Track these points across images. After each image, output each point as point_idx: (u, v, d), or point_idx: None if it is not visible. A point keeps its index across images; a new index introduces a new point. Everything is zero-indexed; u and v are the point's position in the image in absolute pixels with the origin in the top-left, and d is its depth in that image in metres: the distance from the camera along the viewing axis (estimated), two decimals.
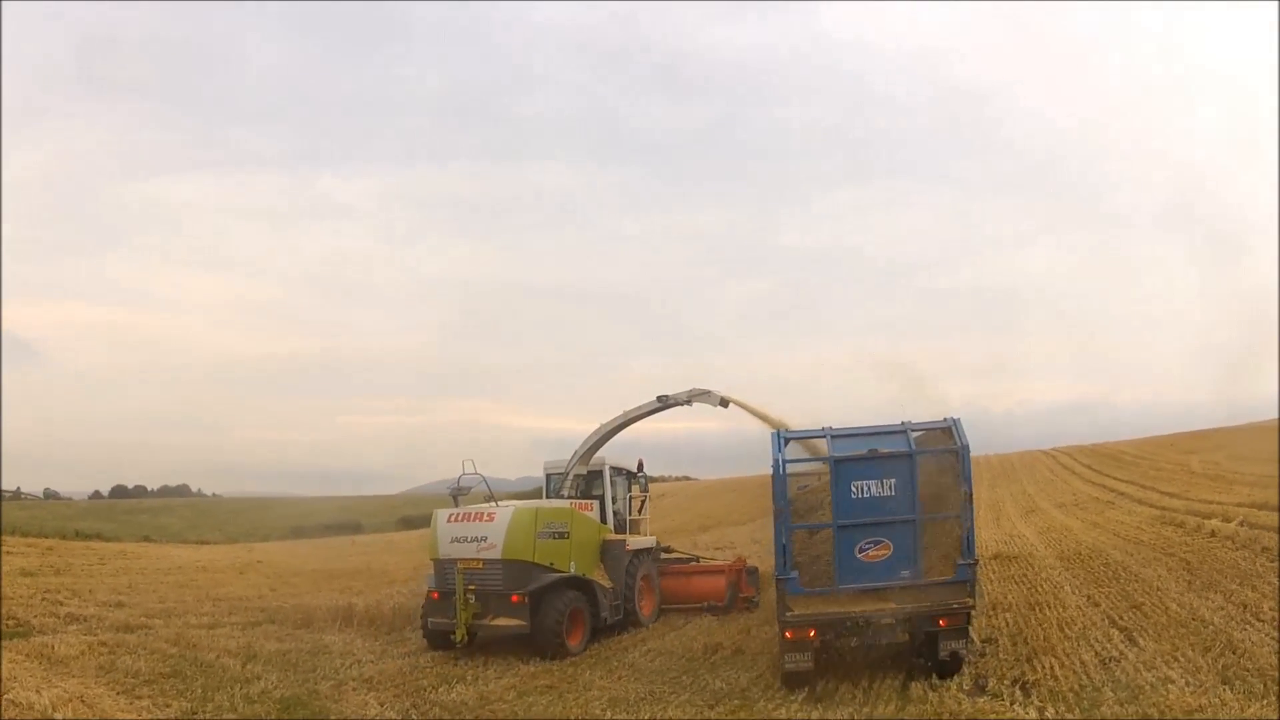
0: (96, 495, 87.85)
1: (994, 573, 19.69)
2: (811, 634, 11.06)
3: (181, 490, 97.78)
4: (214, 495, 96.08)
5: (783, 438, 12.21)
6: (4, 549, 30.50)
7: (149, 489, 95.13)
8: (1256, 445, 41.24)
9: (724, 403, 17.51)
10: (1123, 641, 12.31)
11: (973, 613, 11.56)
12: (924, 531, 11.35)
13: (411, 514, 68.36)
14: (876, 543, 11.34)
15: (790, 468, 12.04)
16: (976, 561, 11.59)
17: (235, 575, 30.24)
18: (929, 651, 11.36)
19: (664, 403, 17.87)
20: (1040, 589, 16.85)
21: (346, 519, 65.91)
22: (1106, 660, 11.37)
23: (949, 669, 11.10)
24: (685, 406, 17.96)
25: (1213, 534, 20.30)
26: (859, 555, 11.32)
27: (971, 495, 11.37)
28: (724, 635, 15.52)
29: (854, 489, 11.41)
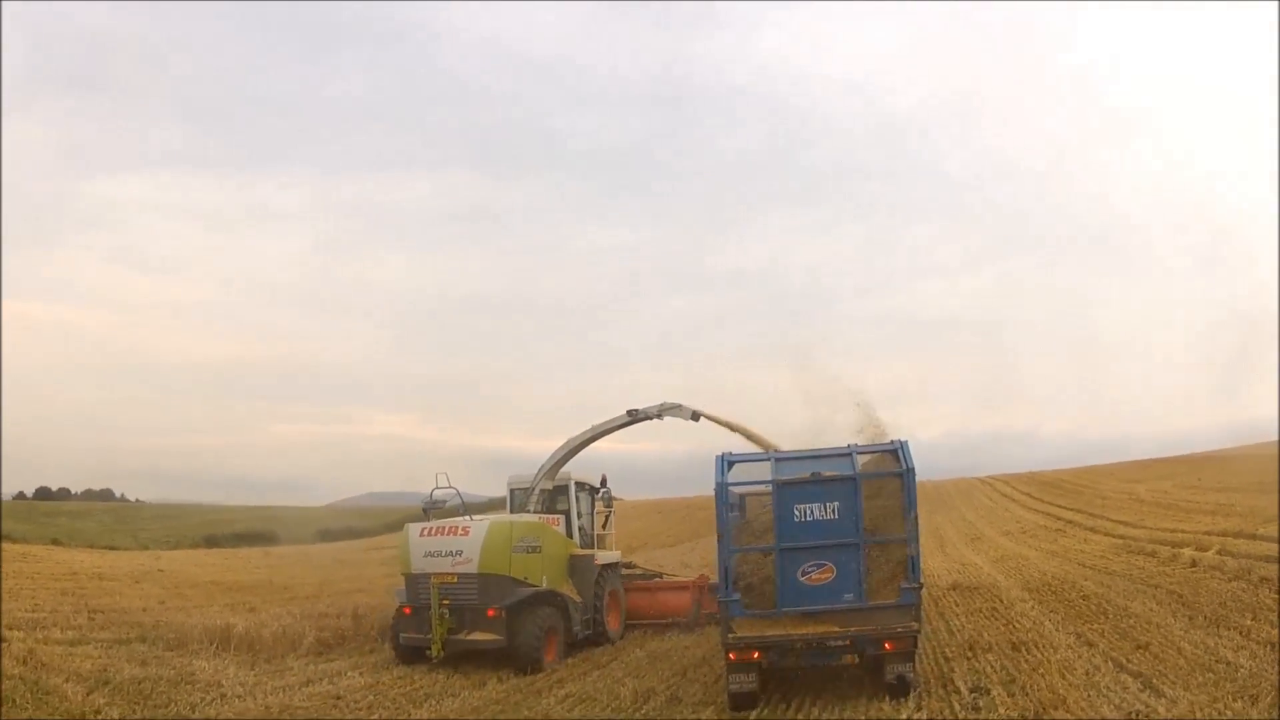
0: (20, 496, 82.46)
1: (958, 606, 17.54)
2: (756, 655, 10.73)
3: (105, 494, 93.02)
4: (137, 500, 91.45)
5: (727, 460, 11.79)
6: None
7: (73, 491, 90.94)
8: (1202, 474, 40.62)
9: (695, 416, 16.97)
10: (1142, 690, 10.13)
11: (919, 636, 11.08)
12: (868, 555, 10.99)
13: (331, 526, 66.67)
14: (819, 566, 10.97)
15: (750, 489, 12.04)
16: (921, 585, 11.08)
17: (130, 584, 27.67)
18: (875, 675, 10.99)
19: (633, 417, 17.37)
20: (1018, 626, 14.67)
21: (264, 528, 62.88)
22: (1135, 716, 9.14)
23: (896, 692, 10.59)
24: (655, 421, 17.50)
25: (1193, 564, 18.64)
26: (801, 578, 10.96)
27: (917, 519, 11.02)
28: (656, 679, 12.96)
29: (797, 512, 11.07)
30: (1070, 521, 33.37)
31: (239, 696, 12.56)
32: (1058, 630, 13.97)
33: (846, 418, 14.10)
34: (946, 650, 13.12)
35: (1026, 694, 10.33)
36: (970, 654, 12.74)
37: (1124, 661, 11.49)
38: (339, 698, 12.65)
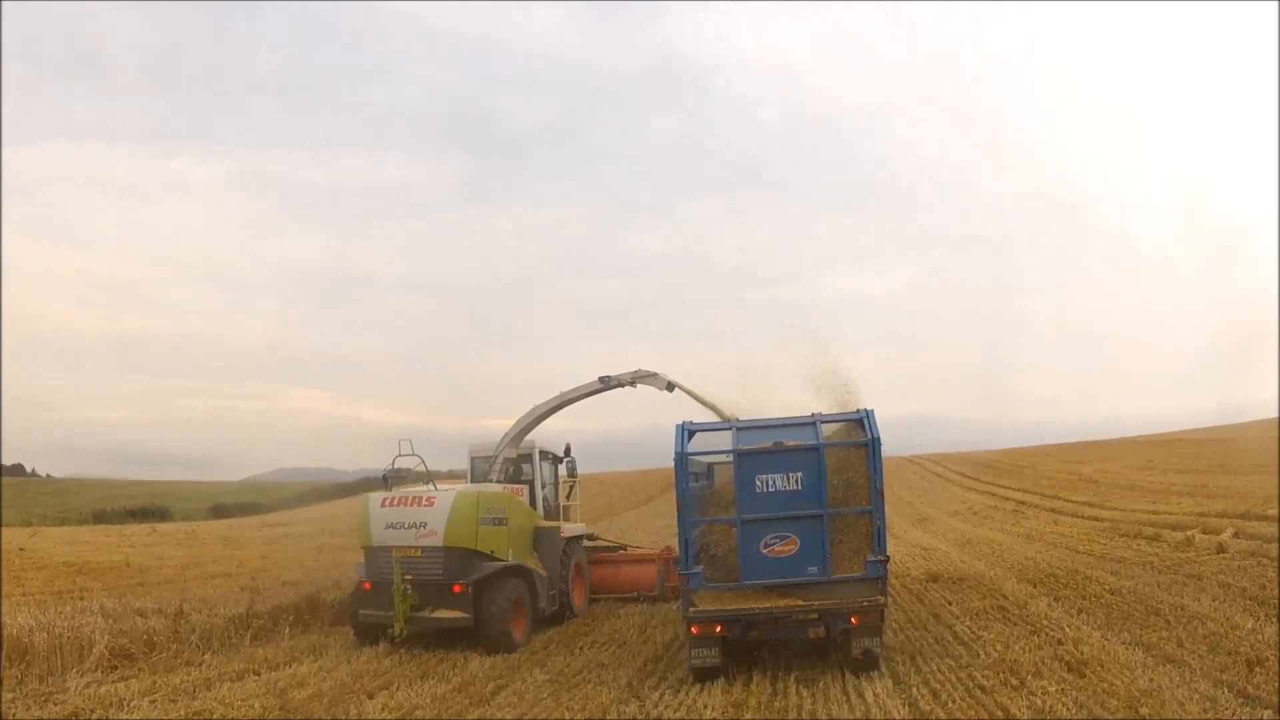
0: None
1: (953, 605, 14.03)
2: (718, 629, 10.35)
3: (16, 469, 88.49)
4: (47, 476, 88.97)
5: (687, 430, 11.34)
6: None
7: None
8: (1151, 455, 38.89)
9: (670, 387, 16.29)
10: None
11: (885, 610, 10.51)
12: (832, 527, 10.56)
13: (225, 502, 65.20)
14: (782, 538, 10.57)
15: (720, 458, 11.62)
16: (888, 558, 10.63)
17: None
18: (843, 649, 10.56)
19: (606, 384, 16.78)
20: (1051, 633, 11.14)
21: (158, 504, 60.42)
22: None
23: (863, 667, 10.18)
24: (629, 388, 16.78)
25: (1220, 549, 15.63)
26: (764, 550, 10.59)
27: (882, 490, 10.61)
28: (579, 714, 9.02)
29: (759, 483, 10.70)
30: (1023, 502, 30.83)
31: None
32: (1110, 639, 10.54)
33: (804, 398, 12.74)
34: (979, 677, 9.42)
35: None
36: (1016, 682, 9.03)
37: (1247, 689, 8.07)
38: None
